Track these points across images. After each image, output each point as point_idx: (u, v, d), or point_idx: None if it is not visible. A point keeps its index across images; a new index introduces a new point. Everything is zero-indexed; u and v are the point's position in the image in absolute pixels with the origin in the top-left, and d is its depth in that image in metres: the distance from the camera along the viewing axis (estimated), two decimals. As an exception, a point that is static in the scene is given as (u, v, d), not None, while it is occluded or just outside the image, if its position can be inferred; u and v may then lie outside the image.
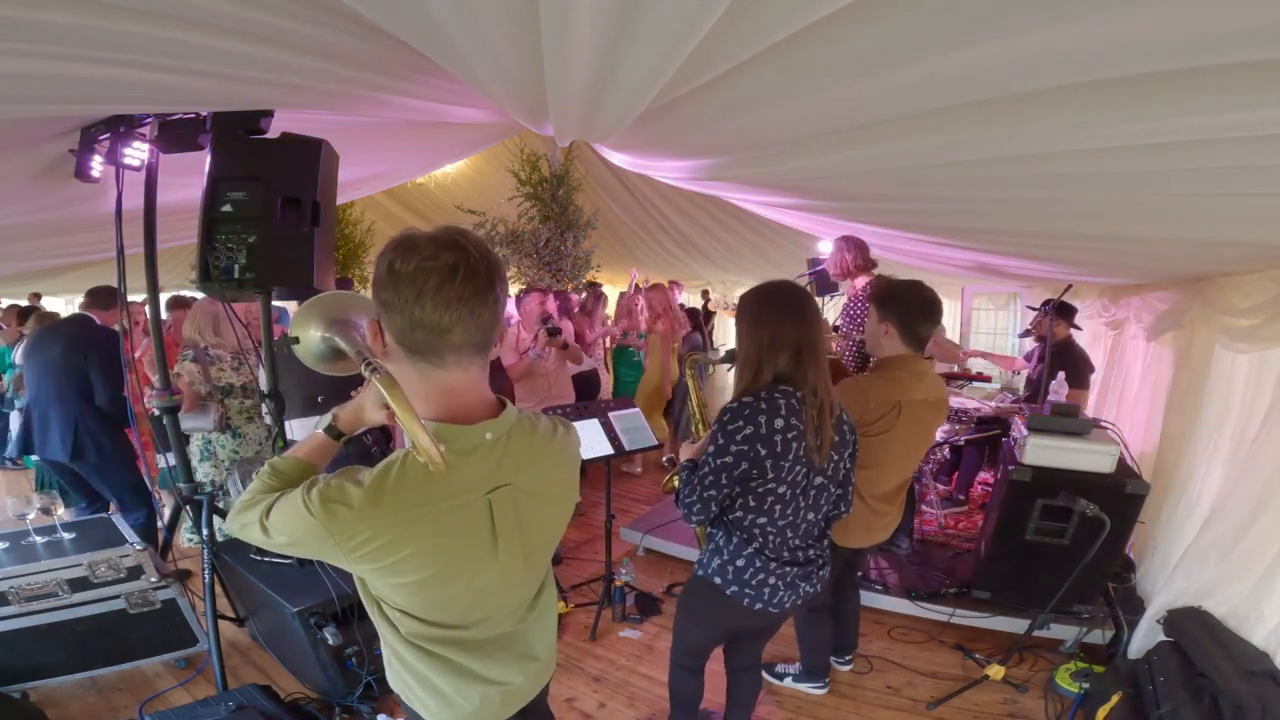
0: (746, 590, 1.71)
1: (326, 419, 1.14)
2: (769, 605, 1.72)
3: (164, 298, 5.51)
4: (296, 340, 1.20)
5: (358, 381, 1.11)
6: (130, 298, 3.42)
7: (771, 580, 1.70)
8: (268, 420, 3.01)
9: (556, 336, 3.89)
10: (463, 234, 0.97)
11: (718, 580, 1.74)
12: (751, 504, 1.65)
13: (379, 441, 3.16)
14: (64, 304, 8.35)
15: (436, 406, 1.01)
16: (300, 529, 0.96)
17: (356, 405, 1.14)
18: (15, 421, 4.32)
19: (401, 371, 0.98)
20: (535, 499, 1.12)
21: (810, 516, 1.72)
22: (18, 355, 3.39)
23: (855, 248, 3.31)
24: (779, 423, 1.58)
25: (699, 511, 1.65)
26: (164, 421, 2.54)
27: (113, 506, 3.34)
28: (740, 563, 1.70)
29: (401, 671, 1.14)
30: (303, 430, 3.00)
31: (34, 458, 3.86)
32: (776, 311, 1.64)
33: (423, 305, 0.93)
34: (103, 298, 3.41)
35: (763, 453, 1.58)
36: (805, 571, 1.74)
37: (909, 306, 2.10)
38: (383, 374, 0.91)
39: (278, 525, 0.99)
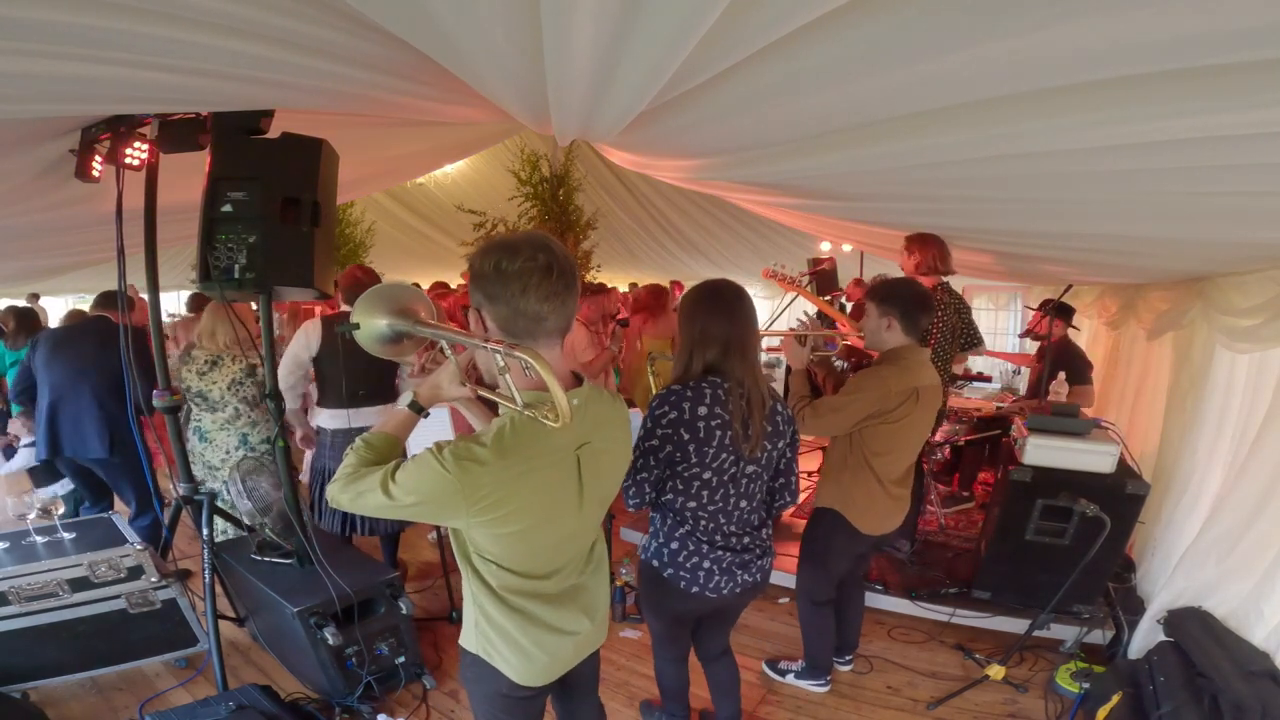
0: (682, 573, 1.77)
1: (408, 396, 1.31)
2: (705, 589, 1.77)
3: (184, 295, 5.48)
4: (357, 326, 1.31)
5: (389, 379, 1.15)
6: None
7: (705, 564, 1.76)
8: (232, 434, 3.04)
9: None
10: (548, 238, 1.18)
11: (655, 563, 1.81)
12: (680, 487, 1.72)
13: None
14: (64, 304, 8.35)
15: (532, 380, 1.17)
16: (433, 487, 1.12)
17: (434, 383, 1.30)
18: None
19: (497, 356, 1.12)
20: (607, 455, 1.33)
21: (743, 505, 1.77)
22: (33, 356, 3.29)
23: (940, 246, 3.08)
24: (702, 410, 1.65)
25: (634, 495, 1.72)
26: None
27: (117, 506, 3.34)
28: (674, 545, 1.77)
29: (487, 630, 1.30)
30: (334, 420, 2.96)
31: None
32: (707, 308, 1.72)
33: (527, 298, 1.12)
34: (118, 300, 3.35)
35: (685, 437, 1.65)
36: (741, 559, 1.79)
37: (908, 300, 2.20)
38: (527, 350, 1.05)
39: (408, 486, 1.13)
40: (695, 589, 1.77)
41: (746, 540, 1.81)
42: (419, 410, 1.30)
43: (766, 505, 1.87)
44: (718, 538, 1.76)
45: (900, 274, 3.00)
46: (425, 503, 1.15)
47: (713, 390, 1.67)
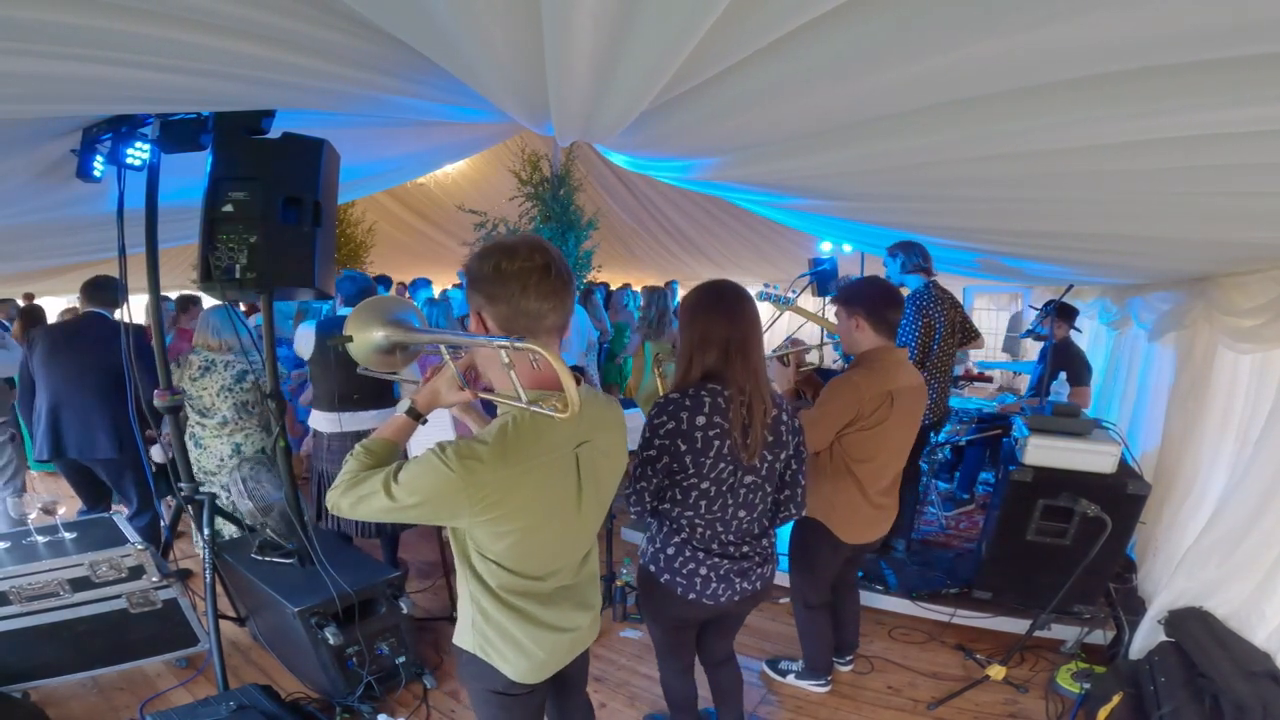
0: (678, 579, 1.74)
1: (405, 402, 1.33)
2: (702, 596, 1.74)
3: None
4: (350, 339, 1.34)
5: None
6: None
7: (702, 571, 1.72)
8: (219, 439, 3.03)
9: None
10: (544, 240, 1.24)
11: (652, 568, 1.79)
12: (678, 497, 1.69)
13: None
14: (65, 304, 8.34)
15: (531, 378, 1.22)
16: (437, 486, 1.14)
17: (432, 389, 1.31)
18: None
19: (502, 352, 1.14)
20: (605, 458, 1.36)
21: (742, 514, 1.72)
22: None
23: (921, 247, 3.18)
24: (700, 420, 1.60)
25: (635, 502, 1.70)
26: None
27: (116, 506, 3.34)
28: (670, 550, 1.74)
29: (484, 628, 1.32)
30: (328, 423, 3.05)
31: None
32: (707, 309, 1.66)
33: (527, 296, 1.17)
34: (110, 294, 3.24)
35: (682, 448, 1.61)
36: (740, 567, 1.75)
37: (871, 296, 2.15)
38: (534, 342, 1.06)
39: (411, 486, 1.15)
40: (692, 595, 1.73)
41: (746, 549, 1.76)
42: (417, 416, 1.32)
43: (770, 515, 1.82)
44: (714, 545, 1.72)
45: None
46: (428, 502, 1.16)
47: (712, 399, 1.61)
